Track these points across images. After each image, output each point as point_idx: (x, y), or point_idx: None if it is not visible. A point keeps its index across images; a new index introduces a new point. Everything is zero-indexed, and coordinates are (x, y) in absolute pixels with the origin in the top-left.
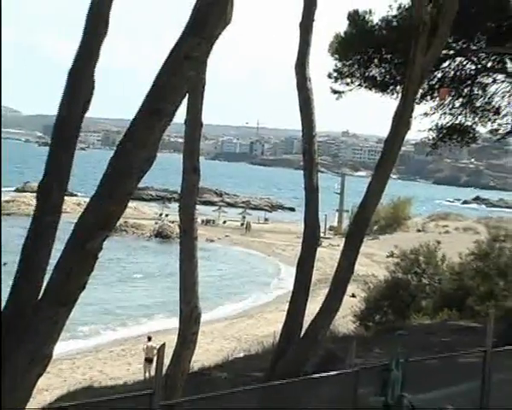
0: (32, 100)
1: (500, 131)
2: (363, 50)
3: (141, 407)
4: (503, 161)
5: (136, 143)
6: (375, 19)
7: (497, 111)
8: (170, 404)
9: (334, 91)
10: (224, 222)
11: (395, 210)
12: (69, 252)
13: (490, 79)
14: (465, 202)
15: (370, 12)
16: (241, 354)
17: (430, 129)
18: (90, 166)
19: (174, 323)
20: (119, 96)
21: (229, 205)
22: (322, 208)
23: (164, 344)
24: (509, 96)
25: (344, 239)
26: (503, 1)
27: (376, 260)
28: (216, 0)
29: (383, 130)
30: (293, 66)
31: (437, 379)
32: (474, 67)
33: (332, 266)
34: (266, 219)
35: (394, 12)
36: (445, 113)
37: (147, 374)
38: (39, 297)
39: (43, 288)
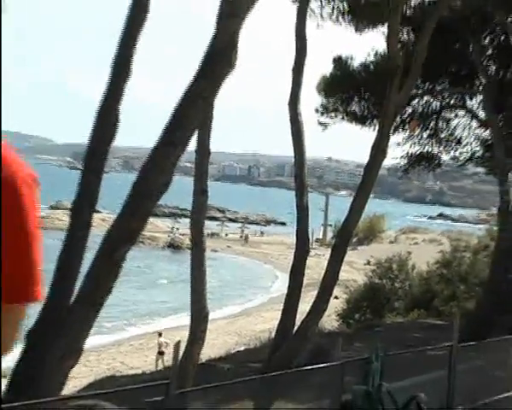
0: (64, 130)
1: (461, 158)
2: (346, 90)
3: (158, 395)
4: (462, 183)
5: (155, 170)
6: (356, 63)
7: (458, 141)
8: (183, 392)
9: (321, 123)
10: (226, 235)
11: (371, 224)
12: (98, 261)
13: (452, 114)
14: (430, 218)
15: (352, 57)
16: (242, 348)
17: (402, 156)
18: (112, 187)
19: (186, 321)
20: (136, 126)
21: (231, 220)
22: (309, 223)
23: (179, 341)
24: (469, 129)
25: (330, 250)
26: (463, 50)
27: (356, 268)
28: (223, 49)
29: (361, 156)
30: (285, 101)
31: (410, 369)
32: (439, 104)
33: (318, 273)
34: (262, 233)
35: (372, 58)
36: (414, 143)
37: (160, 365)
38: (72, 300)
39: (76, 292)
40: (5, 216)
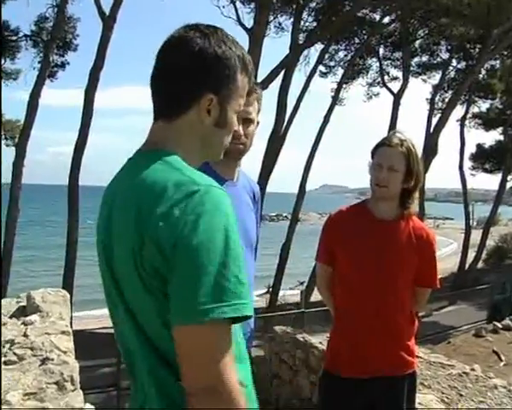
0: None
1: None
2: (482, 159)
3: None
4: None
5: None
6: (486, 145)
7: None
8: None
9: (471, 174)
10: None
11: (495, 218)
12: None
13: None
14: None
15: (485, 143)
16: (440, 276)
17: (509, 187)
18: None
19: None
20: None
21: (428, 218)
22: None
23: None
24: None
25: (477, 230)
26: None
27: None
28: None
29: (489, 185)
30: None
31: None
32: None
33: (475, 240)
34: (444, 223)
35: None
36: None
37: None
38: None
39: None
40: (431, 250)
